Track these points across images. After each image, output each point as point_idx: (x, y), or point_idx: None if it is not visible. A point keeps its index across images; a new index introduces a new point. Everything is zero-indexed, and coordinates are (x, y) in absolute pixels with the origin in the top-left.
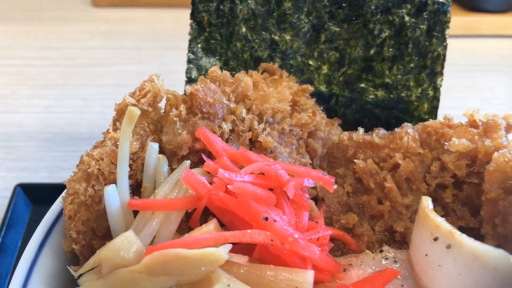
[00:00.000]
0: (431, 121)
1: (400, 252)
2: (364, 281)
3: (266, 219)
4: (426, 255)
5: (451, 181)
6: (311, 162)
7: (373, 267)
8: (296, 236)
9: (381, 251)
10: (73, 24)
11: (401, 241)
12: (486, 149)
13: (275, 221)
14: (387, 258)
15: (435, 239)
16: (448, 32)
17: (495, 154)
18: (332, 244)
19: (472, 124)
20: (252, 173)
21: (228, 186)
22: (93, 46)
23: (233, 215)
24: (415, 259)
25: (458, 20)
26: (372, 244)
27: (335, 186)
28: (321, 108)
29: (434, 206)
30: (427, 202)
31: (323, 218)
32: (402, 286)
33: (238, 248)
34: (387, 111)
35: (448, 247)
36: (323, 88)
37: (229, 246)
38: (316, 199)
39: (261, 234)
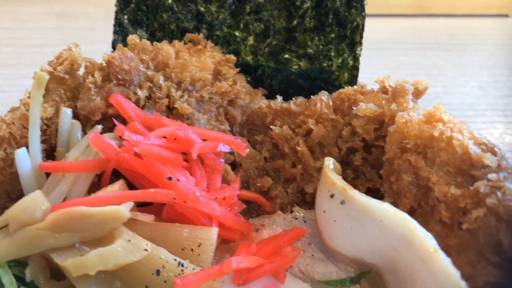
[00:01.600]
0: (345, 88)
1: (309, 212)
2: (270, 239)
3: (170, 178)
4: (324, 211)
5: (361, 145)
6: (230, 129)
7: (284, 227)
8: (197, 194)
9: (292, 211)
10: (27, 5)
11: (311, 202)
12: (391, 113)
13: (178, 180)
14: (296, 218)
15: (332, 196)
16: (366, 2)
17: (396, 116)
18: (245, 206)
19: (383, 90)
20: (164, 137)
21: (134, 148)
22: (47, 26)
23: (141, 177)
24: (317, 216)
25: (409, 0)
26: (285, 205)
27: (248, 150)
28: (248, 78)
29: (345, 170)
30: (328, 162)
31: (240, 182)
32: (310, 244)
33: (150, 209)
34: (310, 81)
35: (342, 202)
36: (249, 59)
37: (131, 204)
38: (234, 164)
39: (163, 193)
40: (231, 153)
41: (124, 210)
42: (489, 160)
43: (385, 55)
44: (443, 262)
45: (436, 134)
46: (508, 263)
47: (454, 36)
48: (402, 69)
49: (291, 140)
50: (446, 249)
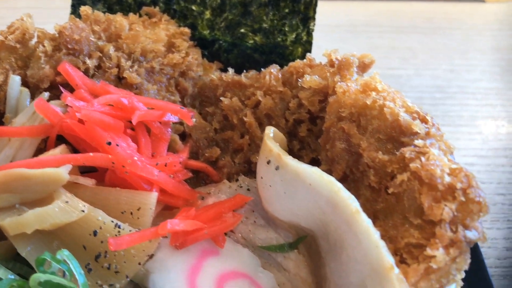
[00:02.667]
0: (294, 62)
1: (254, 181)
2: (212, 205)
3: (109, 143)
4: (262, 177)
5: (307, 117)
6: (181, 100)
7: (228, 195)
8: (135, 158)
9: (237, 180)
10: None
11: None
12: (335, 85)
13: (117, 145)
14: (241, 187)
15: (268, 162)
16: None
17: (336, 87)
18: (191, 174)
19: (330, 63)
20: (111, 105)
21: (76, 113)
22: (23, 5)
23: (84, 143)
24: (257, 183)
25: None
26: (232, 175)
27: (194, 120)
28: (205, 53)
29: (292, 141)
30: (269, 131)
31: (188, 152)
32: (253, 211)
33: (95, 175)
34: (265, 55)
35: (277, 168)
36: (206, 33)
37: (69, 167)
38: (184, 135)
39: (102, 157)
40: (181, 124)
41: (63, 172)
42: (417, 127)
43: (359, 38)
44: (364, 222)
45: (369, 102)
46: (428, 224)
47: (429, 20)
48: (376, 52)
49: (240, 112)
50: (375, 213)
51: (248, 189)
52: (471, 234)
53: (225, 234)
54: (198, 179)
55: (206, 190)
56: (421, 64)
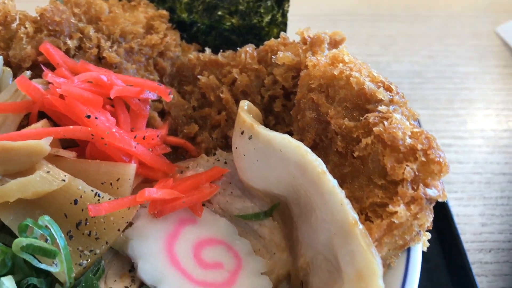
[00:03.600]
0: (269, 41)
1: (231, 154)
2: (189, 177)
3: (89, 117)
4: (236, 147)
5: (281, 93)
6: (159, 79)
7: (206, 168)
8: (113, 130)
9: (215, 154)
10: None
11: None
12: (307, 61)
13: (96, 118)
14: (218, 160)
15: (242, 132)
16: None
17: (307, 61)
18: (170, 149)
19: (303, 41)
20: (90, 82)
21: (57, 89)
22: None
23: (64, 118)
24: (233, 154)
25: None
26: (210, 150)
27: (171, 96)
28: (184, 36)
29: (268, 116)
30: (243, 104)
31: (167, 129)
32: (230, 183)
33: (76, 150)
34: (242, 37)
35: (250, 138)
36: (184, 16)
37: (50, 139)
38: (164, 113)
39: (82, 130)
40: (160, 101)
41: (44, 144)
42: (382, 94)
43: (340, 26)
44: (330, 182)
45: (336, 73)
46: (391, 184)
47: (408, 8)
48: (356, 40)
49: (217, 89)
50: (342, 176)
51: (225, 162)
52: (431, 192)
53: (203, 204)
54: (177, 155)
55: (184, 165)
56: (400, 50)
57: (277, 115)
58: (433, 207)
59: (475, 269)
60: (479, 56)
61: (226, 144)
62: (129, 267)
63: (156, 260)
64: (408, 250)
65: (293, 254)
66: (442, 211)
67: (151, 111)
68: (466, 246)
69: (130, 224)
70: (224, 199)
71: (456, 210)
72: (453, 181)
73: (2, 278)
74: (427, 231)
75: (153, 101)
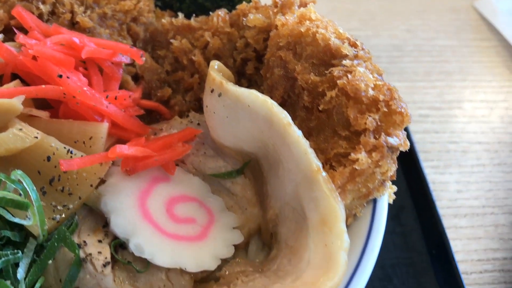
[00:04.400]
0: (241, 4)
1: (204, 116)
2: (162, 136)
3: (60, 76)
4: (207, 106)
5: (253, 55)
6: (133, 44)
7: (180, 130)
8: (84, 89)
9: (188, 116)
10: None
11: None
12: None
13: (68, 78)
14: (192, 122)
15: (212, 91)
16: None
17: (276, 20)
18: (143, 111)
19: (274, 4)
20: (63, 45)
21: (29, 50)
22: None
23: (38, 79)
24: (204, 114)
25: None
26: (183, 112)
27: (144, 59)
28: (158, 3)
29: (240, 79)
30: (214, 63)
31: (141, 93)
32: (203, 144)
33: (50, 111)
34: (216, 4)
35: (219, 95)
36: None
37: (22, 97)
38: (137, 77)
39: (54, 89)
40: (133, 66)
41: (17, 102)
42: (346, 49)
43: (320, 2)
44: (295, 133)
45: (303, 30)
46: (354, 135)
47: None
48: (336, 14)
49: (189, 53)
50: (309, 130)
51: (198, 124)
52: (393, 140)
53: (177, 165)
54: (151, 118)
55: (158, 127)
56: (379, 25)
57: (249, 78)
58: (408, 175)
59: (450, 234)
60: (457, 30)
61: (199, 107)
62: (103, 223)
63: (128, 214)
64: (374, 201)
65: (263, 208)
66: (417, 178)
67: (124, 75)
68: (442, 211)
69: (103, 181)
70: (197, 159)
71: (432, 177)
72: (430, 150)
73: None
74: (393, 183)
75: (127, 65)
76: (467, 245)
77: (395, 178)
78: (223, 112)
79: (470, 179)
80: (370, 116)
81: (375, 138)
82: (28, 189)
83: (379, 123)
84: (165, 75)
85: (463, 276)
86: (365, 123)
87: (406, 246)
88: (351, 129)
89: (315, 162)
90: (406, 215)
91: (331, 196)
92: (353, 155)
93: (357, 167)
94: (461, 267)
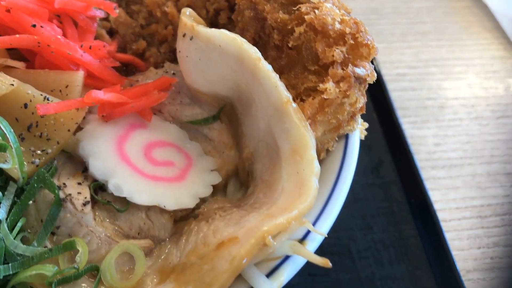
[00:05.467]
0: None
1: (178, 66)
2: (139, 85)
3: (34, 26)
4: (180, 51)
5: (226, 5)
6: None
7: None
8: (59, 37)
9: (163, 66)
10: None
11: None
12: None
13: (42, 27)
14: (167, 72)
15: (184, 35)
16: None
17: None
18: (118, 63)
19: None
20: None
21: (2, 2)
22: None
23: (12, 31)
24: (178, 60)
25: None
26: (158, 64)
27: (117, 11)
28: None
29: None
30: (185, 10)
31: (116, 46)
32: (179, 92)
33: (26, 64)
34: None
35: (191, 38)
36: None
37: None
38: (112, 32)
39: (28, 38)
40: (108, 20)
41: None
42: None
43: None
44: (265, 67)
45: None
46: (323, 68)
47: None
48: None
49: (162, 5)
50: (280, 69)
51: (174, 73)
52: (360, 71)
53: (154, 114)
54: (127, 72)
55: (134, 78)
56: None
57: (223, 27)
58: (387, 130)
59: (429, 184)
60: None
61: (174, 58)
62: (82, 169)
63: (106, 157)
64: (346, 136)
65: (239, 149)
66: (395, 133)
67: (99, 29)
68: (421, 164)
69: (80, 128)
70: (174, 108)
71: (410, 132)
72: (407, 106)
73: None
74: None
75: (101, 20)
76: (446, 195)
77: (364, 111)
78: (195, 55)
79: (447, 133)
80: (337, 48)
81: (342, 69)
82: (5, 131)
83: (346, 56)
84: (140, 29)
85: (442, 224)
86: (333, 56)
87: (386, 197)
88: (320, 63)
89: (285, 94)
90: (385, 168)
91: (301, 125)
92: (321, 86)
93: (325, 97)
94: (440, 215)
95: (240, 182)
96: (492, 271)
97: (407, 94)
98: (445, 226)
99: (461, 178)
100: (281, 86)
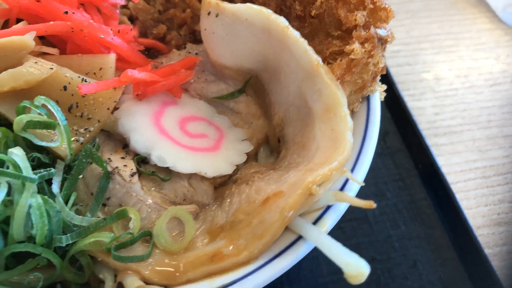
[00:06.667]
0: None
1: (200, 46)
2: (166, 66)
3: (66, 12)
4: (205, 29)
5: None
6: None
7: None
8: (91, 21)
9: (185, 47)
10: None
11: (202, 39)
12: None
13: (73, 13)
14: (189, 52)
15: (209, 13)
16: None
17: None
18: (143, 47)
19: None
20: None
21: None
22: None
23: (43, 21)
24: (203, 37)
25: None
26: (180, 46)
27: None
28: None
29: None
30: None
31: (138, 31)
32: (203, 71)
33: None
34: None
35: (217, 15)
36: None
37: (33, 33)
38: (132, 19)
39: (61, 24)
40: (127, 8)
41: (29, 38)
42: None
43: None
44: (294, 34)
45: None
46: (346, 33)
47: None
48: None
49: None
50: (304, 37)
51: (196, 53)
52: (381, 32)
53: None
54: (150, 55)
55: (159, 61)
56: None
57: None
58: (391, 101)
59: (434, 151)
60: None
61: (194, 39)
62: (122, 145)
63: (146, 131)
64: (368, 98)
65: (268, 117)
66: (398, 104)
67: (121, 16)
68: (423, 132)
69: (116, 108)
70: (199, 86)
71: (411, 104)
72: (405, 81)
73: (12, 149)
74: (381, 81)
75: (121, 7)
76: (449, 160)
77: (384, 72)
78: (222, 31)
79: (444, 103)
80: (358, 13)
81: (365, 31)
82: (53, 110)
83: (367, 19)
84: (158, 14)
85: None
86: (355, 20)
87: (395, 165)
88: (343, 28)
89: (315, 57)
90: (391, 138)
91: (332, 84)
92: (348, 47)
93: (352, 57)
94: (447, 179)
95: (270, 149)
96: (500, 225)
97: (403, 69)
98: (452, 188)
99: (462, 143)
100: (310, 50)
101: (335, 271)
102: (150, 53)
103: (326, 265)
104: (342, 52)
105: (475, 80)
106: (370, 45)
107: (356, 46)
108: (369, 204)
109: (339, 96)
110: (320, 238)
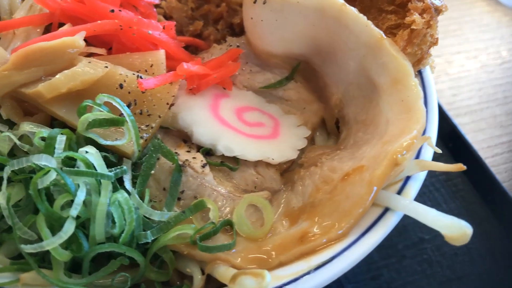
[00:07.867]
0: None
1: (241, 38)
2: (213, 59)
3: (113, 11)
4: (252, 18)
5: None
6: None
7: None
8: (139, 17)
9: (225, 41)
10: None
11: (240, 32)
12: None
13: (120, 11)
14: (230, 45)
15: (254, 1)
16: None
17: None
18: (183, 44)
19: None
20: None
21: None
22: None
23: (82, 22)
24: (247, 28)
25: None
26: (218, 41)
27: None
28: None
29: None
30: None
31: (174, 30)
32: (247, 63)
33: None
34: None
35: (264, 2)
36: None
37: (83, 33)
38: (166, 17)
39: (110, 22)
40: (161, 7)
41: (78, 39)
42: None
43: None
44: (351, 10)
45: None
46: (400, 7)
47: None
48: None
49: None
50: None
51: (238, 46)
52: (436, 1)
53: None
54: (189, 52)
55: (200, 56)
56: None
57: None
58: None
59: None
60: None
61: (232, 33)
62: (181, 141)
63: (207, 124)
64: (420, 72)
65: (323, 100)
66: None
67: (157, 14)
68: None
69: (172, 104)
70: (245, 78)
71: None
72: None
73: (83, 148)
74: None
75: (155, 6)
76: (474, 137)
77: (437, 44)
78: (271, 17)
79: (460, 84)
80: None
81: (420, 2)
82: (119, 106)
83: None
84: (191, 11)
85: None
86: None
87: None
88: (396, 2)
89: (377, 31)
90: None
91: (398, 55)
92: (408, 18)
93: (414, 27)
94: None
95: (327, 132)
96: None
97: None
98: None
99: (484, 121)
100: (371, 25)
101: (387, 256)
102: (189, 50)
103: (376, 252)
104: (399, 25)
105: (485, 60)
106: (429, 15)
107: (416, 17)
108: (459, 166)
109: (407, 67)
110: (411, 206)
